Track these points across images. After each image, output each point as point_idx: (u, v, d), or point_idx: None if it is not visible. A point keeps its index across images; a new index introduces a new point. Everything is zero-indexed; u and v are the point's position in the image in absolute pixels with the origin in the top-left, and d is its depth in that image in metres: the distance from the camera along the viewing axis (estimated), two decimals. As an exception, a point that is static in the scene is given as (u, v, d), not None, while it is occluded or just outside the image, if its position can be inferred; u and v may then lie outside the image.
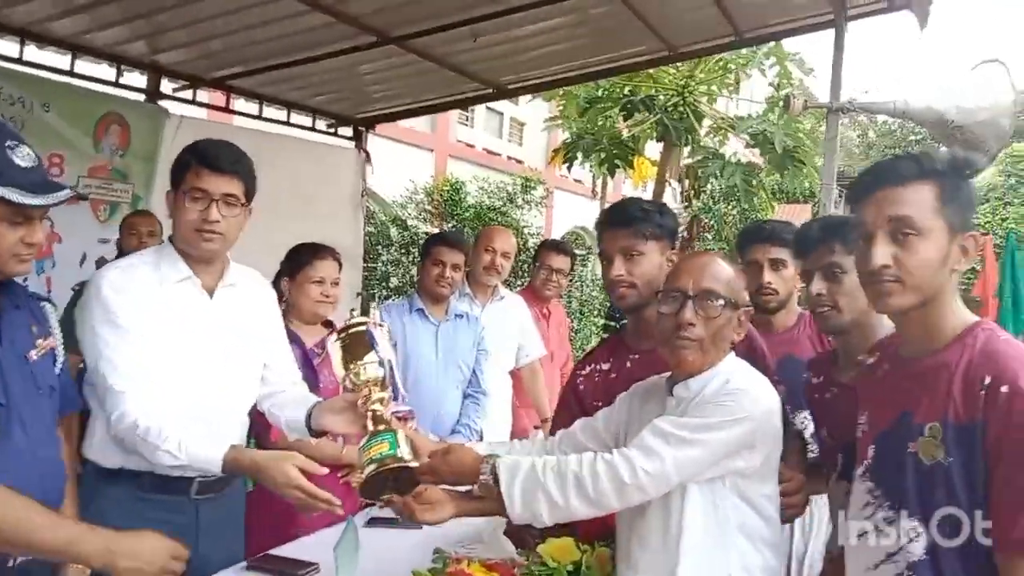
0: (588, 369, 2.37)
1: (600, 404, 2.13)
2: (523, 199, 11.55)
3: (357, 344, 1.95)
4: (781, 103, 5.84)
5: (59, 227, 4.43)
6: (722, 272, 1.81)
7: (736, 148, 10.40)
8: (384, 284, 9.57)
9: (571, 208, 19.14)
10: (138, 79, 5.04)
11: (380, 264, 9.84)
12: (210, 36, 4.51)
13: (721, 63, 7.95)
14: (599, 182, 12.97)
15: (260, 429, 2.62)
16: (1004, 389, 1.35)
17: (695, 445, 1.67)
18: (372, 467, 1.78)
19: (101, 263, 4.48)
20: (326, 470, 1.97)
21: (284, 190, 5.05)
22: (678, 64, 7.51)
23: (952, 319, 1.50)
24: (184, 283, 2.17)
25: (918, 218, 1.46)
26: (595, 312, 11.45)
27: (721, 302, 1.76)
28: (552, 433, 2.25)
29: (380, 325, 2.02)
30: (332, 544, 1.99)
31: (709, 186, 10.11)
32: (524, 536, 2.10)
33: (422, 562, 2.07)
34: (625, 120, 7.80)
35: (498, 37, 4.71)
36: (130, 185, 4.86)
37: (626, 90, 8.02)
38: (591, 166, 9.18)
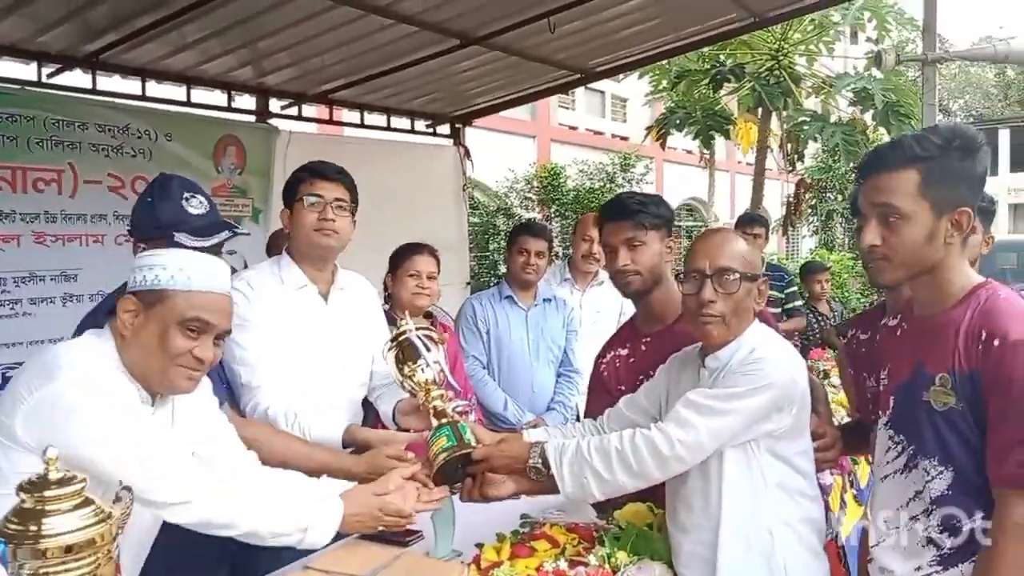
0: (608, 356, 2.49)
1: (623, 388, 2.27)
2: (623, 178, 11.54)
3: (408, 349, 2.15)
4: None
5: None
6: (736, 248, 1.90)
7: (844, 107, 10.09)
8: (493, 272, 9.83)
9: (682, 179, 18.74)
10: (248, 102, 5.37)
11: (490, 253, 10.11)
12: (309, 56, 4.79)
13: (816, 22, 7.74)
14: (707, 152, 12.81)
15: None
16: (996, 342, 1.48)
17: (726, 414, 1.78)
18: (441, 457, 1.98)
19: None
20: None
21: (389, 193, 5.20)
22: (772, 28, 7.37)
23: (959, 281, 1.62)
24: (303, 290, 2.47)
25: (900, 204, 1.59)
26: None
27: (737, 276, 1.85)
28: (588, 417, 2.36)
29: (426, 329, 2.21)
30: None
31: (813, 148, 9.85)
32: (604, 503, 2.22)
33: (511, 527, 2.23)
34: (714, 91, 7.74)
35: (577, 25, 4.80)
36: (250, 200, 5.18)
37: (720, 59, 7.94)
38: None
